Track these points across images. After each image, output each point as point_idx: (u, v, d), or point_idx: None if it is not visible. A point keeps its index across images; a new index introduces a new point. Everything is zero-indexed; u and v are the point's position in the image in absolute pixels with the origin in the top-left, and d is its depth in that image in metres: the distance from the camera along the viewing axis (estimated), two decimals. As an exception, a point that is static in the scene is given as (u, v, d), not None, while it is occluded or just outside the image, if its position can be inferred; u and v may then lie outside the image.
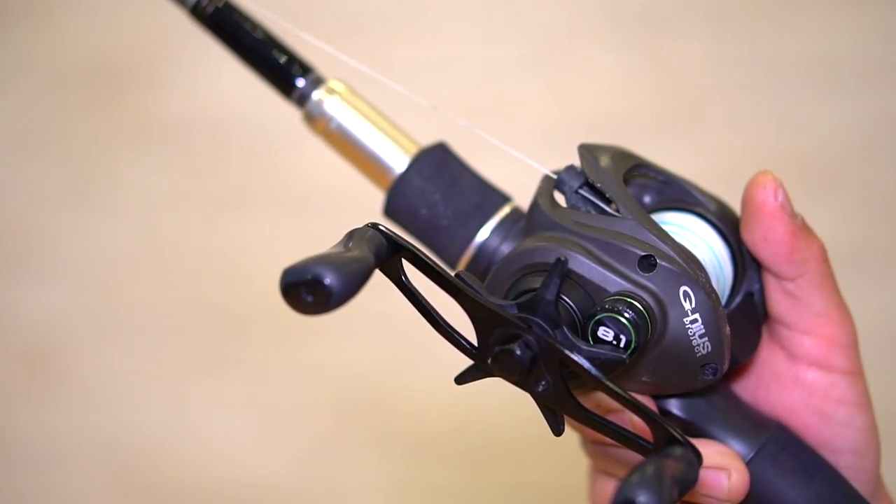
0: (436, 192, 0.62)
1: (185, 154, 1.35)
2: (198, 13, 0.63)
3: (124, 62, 1.36)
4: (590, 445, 0.62)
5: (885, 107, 1.29)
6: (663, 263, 0.54)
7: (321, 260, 0.47)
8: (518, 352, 0.51)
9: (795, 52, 1.31)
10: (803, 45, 1.31)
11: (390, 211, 0.63)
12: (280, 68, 0.64)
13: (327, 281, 0.46)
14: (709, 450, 0.56)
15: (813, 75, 1.31)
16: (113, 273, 1.36)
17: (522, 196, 0.62)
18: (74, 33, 1.37)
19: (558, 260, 0.52)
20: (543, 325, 0.52)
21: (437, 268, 0.51)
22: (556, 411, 0.53)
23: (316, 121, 0.64)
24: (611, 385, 0.50)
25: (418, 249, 0.51)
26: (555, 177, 0.59)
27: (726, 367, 0.56)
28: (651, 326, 0.54)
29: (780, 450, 0.59)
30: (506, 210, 0.62)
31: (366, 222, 0.51)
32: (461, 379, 0.54)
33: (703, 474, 0.55)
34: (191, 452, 1.32)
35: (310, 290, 0.46)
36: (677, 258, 0.55)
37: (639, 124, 1.30)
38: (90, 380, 1.34)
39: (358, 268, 0.48)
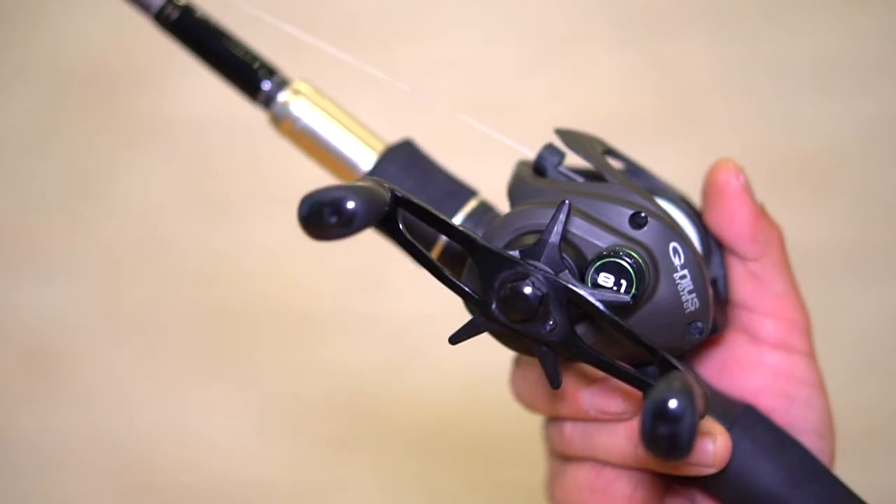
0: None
1: (185, 154, 1.35)
2: (162, 20, 0.64)
3: (123, 62, 1.36)
4: (568, 426, 0.61)
5: (885, 107, 1.29)
6: (653, 220, 0.56)
7: (341, 186, 0.48)
8: (528, 290, 0.52)
9: (796, 52, 1.31)
10: (804, 45, 1.31)
11: None
12: (245, 72, 0.65)
13: (351, 204, 0.47)
14: None
15: (813, 76, 1.31)
16: (113, 273, 1.35)
17: (491, 191, 0.63)
18: (73, 34, 1.37)
19: (563, 202, 0.53)
20: (548, 268, 0.53)
21: (440, 217, 0.52)
22: (556, 364, 0.54)
23: (282, 122, 0.64)
24: (619, 320, 0.52)
25: (420, 200, 0.52)
26: (532, 156, 0.60)
27: (710, 327, 0.57)
28: (647, 278, 0.55)
29: (754, 423, 0.60)
30: (473, 203, 0.63)
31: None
32: (456, 338, 0.55)
33: None
34: (190, 452, 1.32)
35: (334, 210, 0.47)
36: (665, 216, 0.57)
37: (639, 125, 1.30)
38: (90, 380, 1.34)
39: (378, 198, 0.49)
